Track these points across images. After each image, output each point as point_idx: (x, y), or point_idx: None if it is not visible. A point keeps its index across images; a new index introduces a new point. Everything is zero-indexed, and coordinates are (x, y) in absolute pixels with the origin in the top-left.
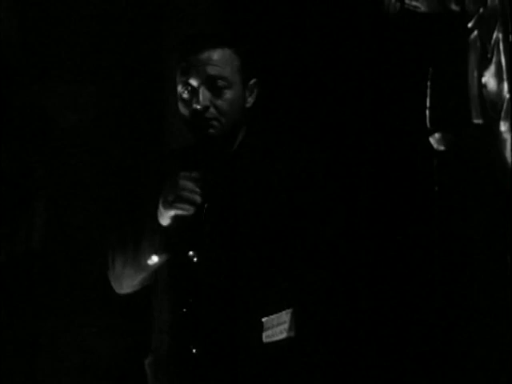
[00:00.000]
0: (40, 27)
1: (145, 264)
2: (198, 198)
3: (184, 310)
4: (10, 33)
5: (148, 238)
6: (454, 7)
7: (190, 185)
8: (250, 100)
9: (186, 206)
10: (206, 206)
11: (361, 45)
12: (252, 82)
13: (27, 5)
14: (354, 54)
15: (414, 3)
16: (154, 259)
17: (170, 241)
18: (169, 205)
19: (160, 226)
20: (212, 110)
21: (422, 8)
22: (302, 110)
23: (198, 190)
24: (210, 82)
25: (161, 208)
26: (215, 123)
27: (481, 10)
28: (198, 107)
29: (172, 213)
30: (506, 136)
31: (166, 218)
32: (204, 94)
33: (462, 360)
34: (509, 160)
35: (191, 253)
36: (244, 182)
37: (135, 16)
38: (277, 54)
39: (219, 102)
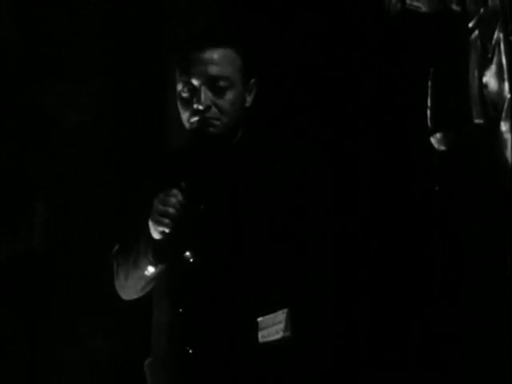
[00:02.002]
0: (40, 27)
1: (142, 275)
2: (174, 214)
3: (180, 310)
4: (10, 33)
5: (143, 251)
6: (454, 7)
7: (172, 200)
8: (249, 99)
9: (168, 222)
10: (202, 206)
11: (361, 45)
12: (252, 81)
13: (27, 5)
14: (355, 54)
15: (414, 3)
16: (151, 270)
17: (164, 253)
18: (155, 220)
19: (152, 238)
20: (214, 109)
21: (423, 8)
22: (301, 109)
23: (178, 205)
24: (212, 82)
25: (150, 223)
26: (217, 123)
27: (481, 10)
28: (200, 107)
29: (160, 228)
30: (507, 136)
31: (155, 232)
32: (206, 94)
33: (462, 360)
34: (509, 160)
35: (188, 253)
36: (242, 181)
37: (135, 16)
38: (277, 53)
39: (221, 102)
